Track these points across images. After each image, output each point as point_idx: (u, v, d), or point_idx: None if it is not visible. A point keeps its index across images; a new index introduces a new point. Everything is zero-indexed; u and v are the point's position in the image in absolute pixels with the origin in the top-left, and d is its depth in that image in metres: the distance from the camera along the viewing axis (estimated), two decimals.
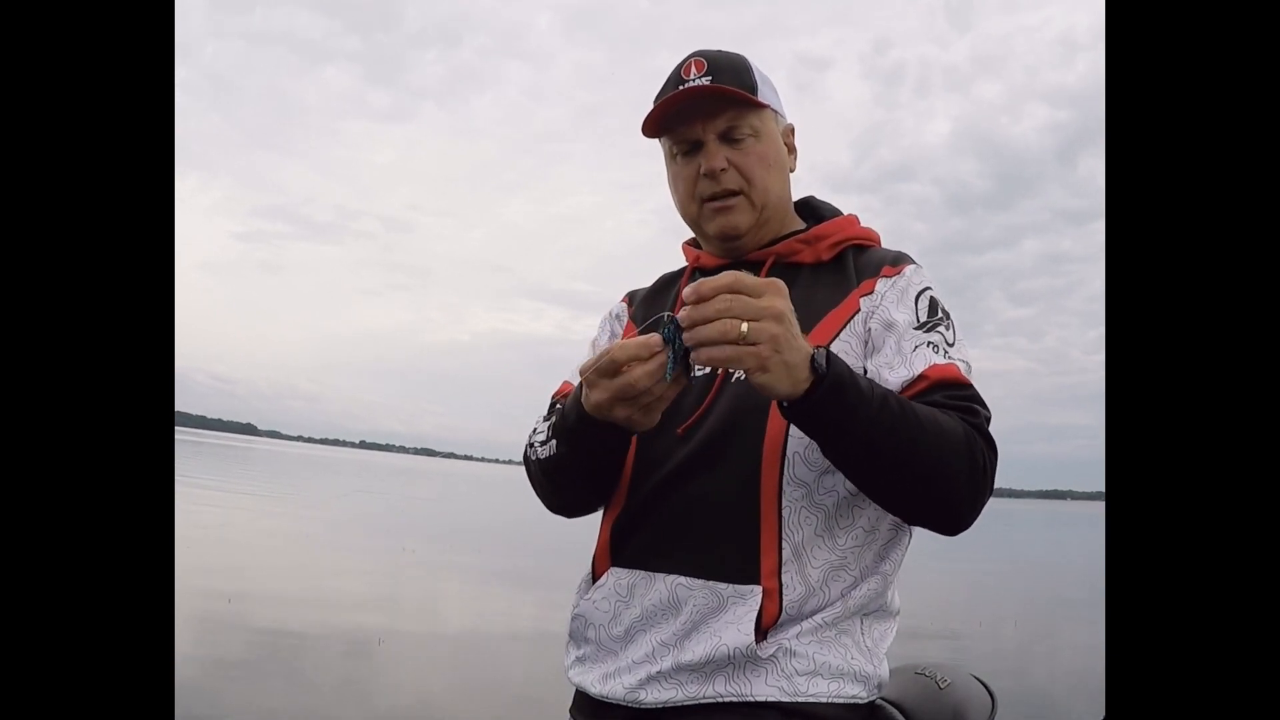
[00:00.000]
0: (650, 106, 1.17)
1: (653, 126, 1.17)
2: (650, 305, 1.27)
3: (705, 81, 1.12)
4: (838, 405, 0.90)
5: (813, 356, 0.89)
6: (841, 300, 1.11)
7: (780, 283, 0.88)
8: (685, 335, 0.86)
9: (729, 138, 1.14)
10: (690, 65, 1.14)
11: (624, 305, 1.32)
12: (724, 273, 0.86)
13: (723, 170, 1.13)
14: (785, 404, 0.91)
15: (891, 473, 0.95)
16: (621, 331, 1.28)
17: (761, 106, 1.14)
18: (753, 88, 1.14)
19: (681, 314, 0.87)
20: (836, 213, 1.23)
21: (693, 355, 0.87)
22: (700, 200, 1.16)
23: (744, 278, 0.86)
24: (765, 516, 1.02)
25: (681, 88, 1.13)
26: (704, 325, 0.85)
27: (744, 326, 0.84)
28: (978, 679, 1.21)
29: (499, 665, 5.15)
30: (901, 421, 0.92)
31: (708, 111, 1.13)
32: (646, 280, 1.34)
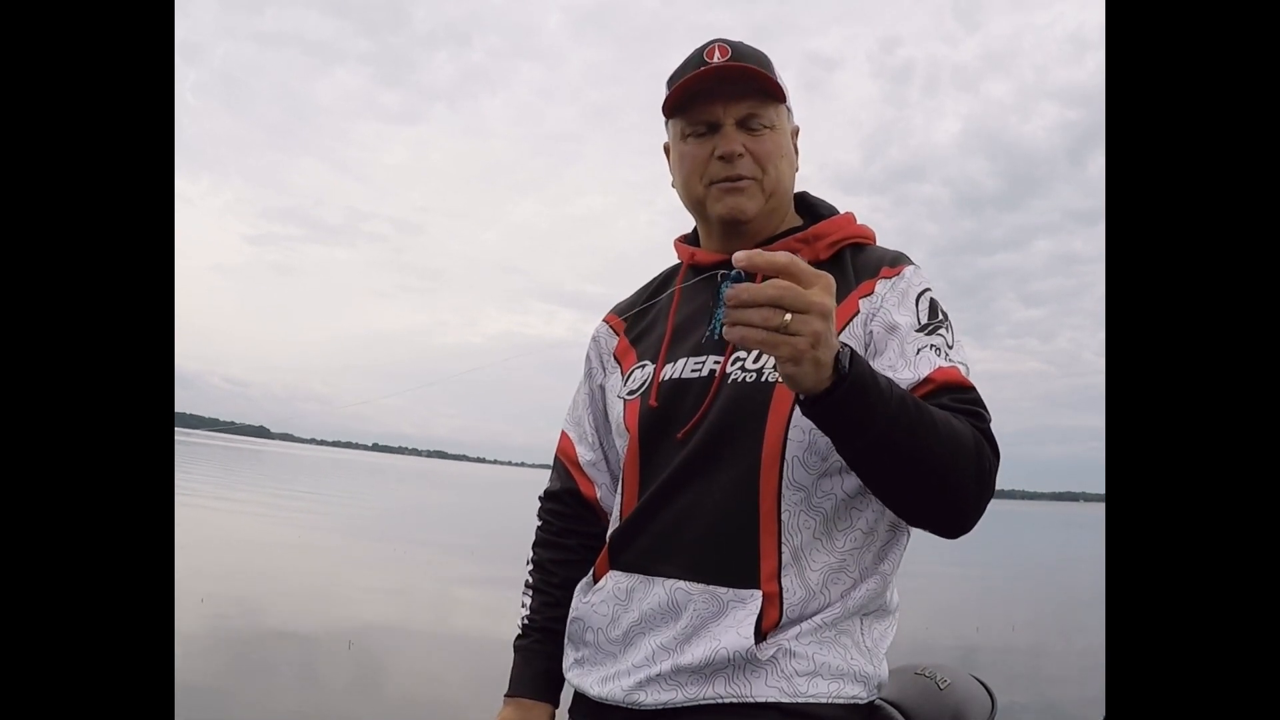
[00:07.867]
0: (664, 94, 1.15)
1: (674, 103, 1.14)
2: (650, 307, 1.25)
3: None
4: (858, 403, 0.88)
5: (838, 355, 0.87)
6: (840, 301, 1.08)
7: (831, 278, 0.85)
8: (728, 311, 0.83)
9: (747, 125, 1.11)
10: (714, 49, 1.11)
11: (607, 326, 1.29)
12: (781, 252, 0.84)
13: (739, 155, 1.11)
14: (804, 399, 0.89)
15: (904, 474, 0.94)
16: (611, 353, 1.25)
17: (782, 101, 1.13)
18: (777, 80, 1.12)
19: (731, 291, 0.83)
20: (833, 210, 1.22)
21: (725, 329, 0.84)
22: (708, 183, 1.13)
23: (800, 261, 0.83)
24: (764, 520, 1.02)
25: (707, 66, 1.10)
26: (750, 309, 0.81)
27: (787, 316, 0.81)
28: (978, 679, 1.21)
29: (497, 665, 5.14)
30: (919, 424, 0.92)
31: (731, 94, 1.11)
32: None
